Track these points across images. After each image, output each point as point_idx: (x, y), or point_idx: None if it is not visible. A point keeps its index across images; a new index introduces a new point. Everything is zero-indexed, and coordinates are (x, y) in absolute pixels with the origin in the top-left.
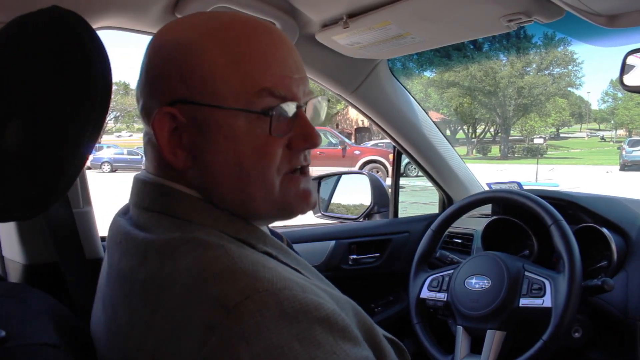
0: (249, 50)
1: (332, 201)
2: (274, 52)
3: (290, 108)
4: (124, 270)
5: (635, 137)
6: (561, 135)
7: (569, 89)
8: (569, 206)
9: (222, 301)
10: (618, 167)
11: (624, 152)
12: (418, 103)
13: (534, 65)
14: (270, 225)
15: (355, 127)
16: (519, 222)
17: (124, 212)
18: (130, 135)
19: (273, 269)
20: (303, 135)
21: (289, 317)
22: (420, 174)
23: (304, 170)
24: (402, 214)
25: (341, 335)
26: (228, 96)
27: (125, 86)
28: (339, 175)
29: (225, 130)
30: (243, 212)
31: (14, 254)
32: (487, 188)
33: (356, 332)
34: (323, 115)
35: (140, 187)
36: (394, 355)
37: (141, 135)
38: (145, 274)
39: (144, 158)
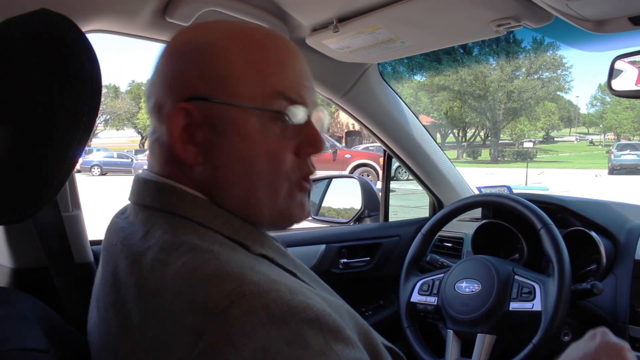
0: (268, 54)
1: (323, 205)
2: (289, 59)
3: (300, 112)
4: (119, 274)
5: (623, 141)
6: (542, 139)
7: (558, 93)
8: (559, 210)
9: (208, 306)
10: (607, 170)
11: (612, 156)
12: (408, 107)
13: (524, 70)
14: None
15: (345, 130)
16: (509, 226)
17: (121, 213)
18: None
19: (261, 272)
20: (310, 141)
21: (277, 320)
22: (410, 177)
23: (307, 178)
24: (392, 217)
25: (333, 336)
26: (244, 95)
27: (116, 89)
28: (329, 179)
29: (239, 128)
30: (245, 214)
31: (2, 258)
32: (477, 192)
33: (349, 333)
34: (326, 127)
35: (142, 185)
36: None
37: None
38: (137, 278)
39: (134, 161)
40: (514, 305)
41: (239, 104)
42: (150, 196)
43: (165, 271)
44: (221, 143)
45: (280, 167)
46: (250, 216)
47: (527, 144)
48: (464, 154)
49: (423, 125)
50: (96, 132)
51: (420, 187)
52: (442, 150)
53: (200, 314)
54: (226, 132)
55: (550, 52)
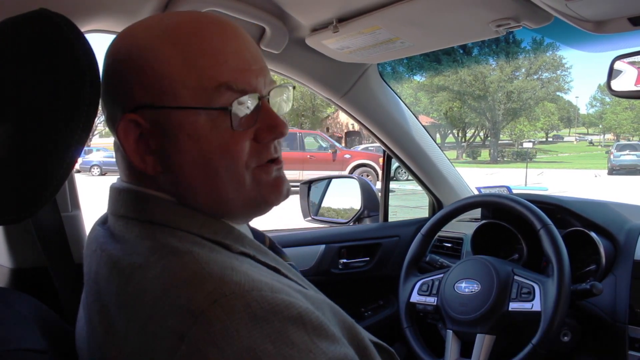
0: (203, 47)
1: (322, 205)
2: (228, 46)
3: (251, 101)
4: (100, 280)
5: (623, 142)
6: (549, 139)
7: (558, 93)
8: (558, 210)
9: (189, 308)
10: (606, 171)
11: (612, 156)
12: (408, 107)
13: (523, 70)
14: (257, 227)
15: (345, 130)
16: (509, 226)
17: (102, 222)
18: None
19: (242, 272)
20: (268, 126)
21: (259, 319)
22: (410, 177)
23: (275, 161)
24: (392, 218)
25: (317, 334)
26: (186, 95)
27: None
28: (329, 179)
29: (188, 130)
30: (219, 212)
31: (1, 258)
32: (476, 192)
33: (333, 330)
34: (289, 104)
35: (115, 195)
36: (378, 356)
37: None
38: (118, 285)
39: None
40: (514, 306)
41: (182, 106)
42: (124, 206)
43: (145, 275)
44: (174, 147)
45: (236, 158)
46: (224, 211)
47: (527, 144)
48: (464, 154)
49: (423, 126)
50: (95, 132)
51: (419, 188)
52: (441, 150)
53: (182, 316)
54: (176, 136)
55: (550, 52)
